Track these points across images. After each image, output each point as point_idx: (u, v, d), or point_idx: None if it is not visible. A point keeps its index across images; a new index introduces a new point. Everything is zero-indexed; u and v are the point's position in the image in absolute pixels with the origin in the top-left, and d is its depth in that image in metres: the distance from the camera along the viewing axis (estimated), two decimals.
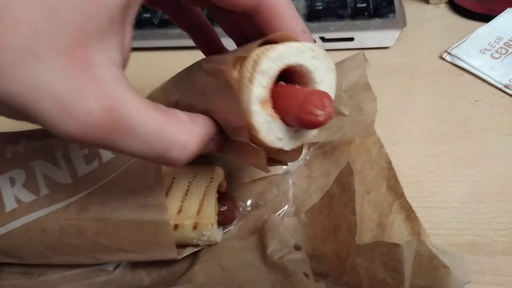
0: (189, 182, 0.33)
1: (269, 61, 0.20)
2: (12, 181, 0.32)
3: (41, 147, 0.33)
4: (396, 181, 0.34)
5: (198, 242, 0.33)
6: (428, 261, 0.25)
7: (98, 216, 0.30)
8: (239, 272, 0.31)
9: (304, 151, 0.41)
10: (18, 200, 0.31)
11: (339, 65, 0.42)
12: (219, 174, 0.35)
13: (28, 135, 0.34)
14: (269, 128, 0.21)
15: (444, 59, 0.49)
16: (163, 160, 0.21)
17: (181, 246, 0.33)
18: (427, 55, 0.51)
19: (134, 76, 0.54)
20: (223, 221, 0.34)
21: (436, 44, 0.51)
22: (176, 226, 0.31)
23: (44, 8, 0.16)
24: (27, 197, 0.31)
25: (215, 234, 0.33)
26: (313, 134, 0.24)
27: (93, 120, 0.17)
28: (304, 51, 0.21)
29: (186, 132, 0.21)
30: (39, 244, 0.31)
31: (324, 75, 0.22)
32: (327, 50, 0.52)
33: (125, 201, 0.30)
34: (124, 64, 0.20)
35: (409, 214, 0.32)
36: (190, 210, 0.32)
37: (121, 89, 0.18)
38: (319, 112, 0.19)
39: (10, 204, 0.31)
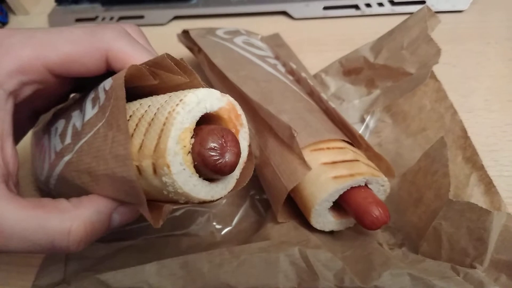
0: (157, 109, 0.23)
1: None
2: (55, 131, 0.30)
3: (83, 96, 0.29)
4: (474, 152, 0.32)
5: (170, 195, 0.22)
6: None
7: (87, 169, 0.25)
8: (313, 230, 0.31)
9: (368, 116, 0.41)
10: (55, 151, 0.29)
11: (402, 24, 0.39)
12: (205, 96, 0.23)
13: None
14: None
15: None
16: (54, 250, 0.23)
17: (163, 201, 0.24)
18: (503, 20, 0.48)
19: None
20: (205, 165, 0.22)
21: None
22: (139, 170, 0.22)
23: None
24: (58, 146, 0.29)
25: (181, 182, 0.22)
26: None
27: None
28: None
29: (66, 220, 0.23)
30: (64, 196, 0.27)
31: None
32: (396, 14, 0.51)
33: (103, 152, 0.24)
34: (5, 173, 0.23)
35: (489, 188, 0.30)
36: (148, 145, 0.22)
37: None
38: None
39: (51, 156, 0.30)
